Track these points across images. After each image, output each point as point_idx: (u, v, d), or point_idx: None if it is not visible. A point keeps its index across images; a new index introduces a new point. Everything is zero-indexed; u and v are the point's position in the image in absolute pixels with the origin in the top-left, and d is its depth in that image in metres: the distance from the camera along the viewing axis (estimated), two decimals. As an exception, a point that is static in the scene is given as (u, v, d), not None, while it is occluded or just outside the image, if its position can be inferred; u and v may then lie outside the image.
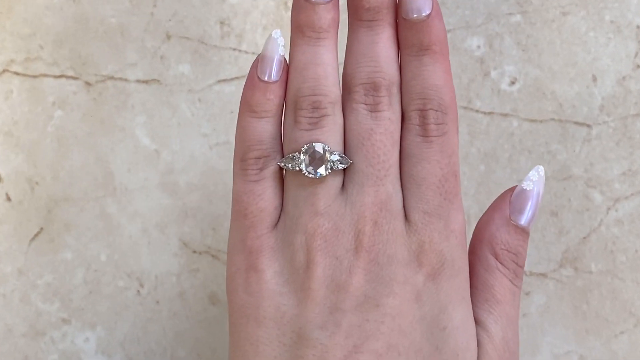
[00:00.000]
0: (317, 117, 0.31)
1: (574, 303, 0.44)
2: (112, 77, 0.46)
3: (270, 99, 0.32)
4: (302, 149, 0.31)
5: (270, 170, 0.32)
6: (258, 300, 0.30)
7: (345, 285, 0.30)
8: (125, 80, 0.46)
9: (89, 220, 0.45)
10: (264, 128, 0.32)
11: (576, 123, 0.45)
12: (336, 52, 0.32)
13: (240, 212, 0.32)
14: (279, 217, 0.32)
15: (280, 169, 0.32)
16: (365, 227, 0.31)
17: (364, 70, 0.31)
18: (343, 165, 0.31)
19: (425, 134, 0.31)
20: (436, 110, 0.31)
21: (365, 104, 0.31)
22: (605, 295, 0.43)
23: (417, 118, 0.31)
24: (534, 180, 0.32)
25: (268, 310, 0.30)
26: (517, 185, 0.33)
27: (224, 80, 0.46)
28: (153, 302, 0.45)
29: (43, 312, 0.44)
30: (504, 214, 0.32)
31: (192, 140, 0.45)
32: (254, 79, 0.32)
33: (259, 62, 0.32)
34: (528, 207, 0.32)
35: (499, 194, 0.33)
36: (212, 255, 0.45)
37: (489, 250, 0.32)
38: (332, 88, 0.32)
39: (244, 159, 0.32)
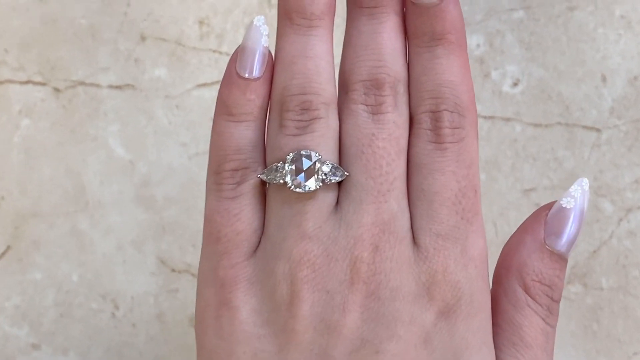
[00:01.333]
0: (306, 121, 0.28)
1: (584, 322, 0.43)
2: (83, 83, 0.45)
3: (251, 100, 0.29)
4: (288, 157, 0.28)
5: (250, 184, 0.29)
6: (231, 345, 0.27)
7: (337, 326, 0.26)
8: (97, 85, 0.45)
9: (60, 237, 0.44)
10: (243, 134, 0.29)
11: (584, 127, 0.44)
12: (331, 43, 0.29)
13: (212, 235, 0.28)
14: (259, 241, 0.29)
15: (262, 182, 0.29)
16: (363, 253, 0.27)
17: (365, 65, 0.28)
18: (337, 178, 0.28)
19: (438, 140, 0.28)
20: (451, 112, 0.28)
21: (366, 105, 0.28)
22: (617, 314, 0.43)
23: (428, 121, 0.28)
24: (576, 197, 0.28)
25: (243, 357, 0.26)
26: (554, 202, 0.29)
27: (204, 85, 0.45)
28: (129, 325, 0.44)
29: (11, 336, 0.44)
30: (538, 236, 0.28)
31: (169, 150, 0.44)
32: (232, 76, 0.29)
33: (239, 55, 0.28)
34: (567, 229, 0.28)
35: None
36: (192, 274, 0.44)
37: (517, 282, 0.28)
38: (326, 86, 0.28)
39: (218, 172, 0.29)
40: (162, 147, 0.45)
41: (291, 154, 0.28)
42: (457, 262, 0.27)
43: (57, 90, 0.45)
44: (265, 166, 0.29)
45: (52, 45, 0.45)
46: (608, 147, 0.43)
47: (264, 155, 0.29)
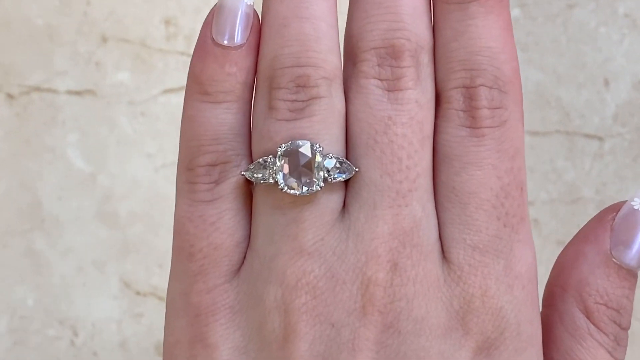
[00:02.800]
0: (303, 101, 0.23)
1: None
2: (38, 89, 0.44)
3: (232, 74, 0.24)
4: (280, 149, 0.23)
5: (231, 184, 0.24)
6: None
7: None
8: (54, 91, 0.44)
9: (13, 258, 0.43)
10: (222, 119, 0.24)
11: (586, 135, 0.43)
12: (334, 0, 0.24)
13: (183, 250, 0.24)
14: (244, 257, 0.24)
15: (247, 181, 0.24)
16: (378, 273, 0.22)
17: (378, 28, 0.24)
18: (344, 176, 0.23)
19: (473, 124, 0.23)
20: (490, 87, 0.23)
21: (380, 79, 0.23)
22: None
23: (460, 100, 0.23)
24: None
25: None
26: (622, 203, 0.24)
27: (171, 90, 0.44)
28: (90, 354, 0.43)
29: (-40, 367, 0.43)
30: (602, 247, 0.23)
31: (134, 162, 0.43)
32: (206, 43, 0.24)
33: (215, 16, 0.24)
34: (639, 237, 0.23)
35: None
36: (159, 298, 0.43)
37: (577, 305, 0.23)
38: (327, 55, 0.24)
39: (190, 167, 0.24)
40: (125, 158, 0.44)
41: (283, 144, 0.23)
42: (499, 283, 0.23)
43: (10, 96, 0.44)
44: (251, 160, 0.24)
45: (5, 47, 0.44)
46: (612, 158, 0.42)
47: (249, 146, 0.24)
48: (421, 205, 0.23)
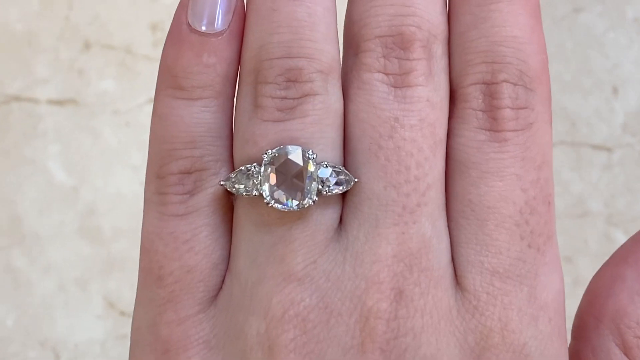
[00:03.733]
0: (294, 98, 0.21)
1: None
2: (17, 98, 0.43)
3: (211, 66, 0.21)
4: (266, 155, 0.20)
5: (207, 195, 0.21)
6: None
7: None
8: (35, 100, 0.44)
9: None
10: (199, 119, 0.21)
11: (593, 146, 0.42)
12: None
13: (151, 272, 0.21)
14: (222, 282, 0.21)
15: (227, 192, 0.21)
16: (380, 303, 0.20)
17: (384, 13, 0.21)
18: (341, 188, 0.21)
19: (494, 126, 0.21)
20: (515, 84, 0.21)
21: (385, 74, 0.21)
22: None
23: (479, 98, 0.21)
24: None
25: None
26: None
27: None
28: None
29: None
30: None
31: (118, 174, 0.43)
32: (181, 30, 0.21)
33: None
34: None
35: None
36: None
37: (613, 338, 0.21)
38: (324, 45, 0.21)
39: (161, 175, 0.21)
40: (109, 171, 0.43)
41: (270, 150, 0.21)
42: (522, 315, 0.20)
43: (-12, 106, 0.44)
44: (232, 168, 0.21)
45: (-17, 54, 0.44)
46: (620, 169, 0.42)
47: (231, 151, 0.22)
48: (431, 223, 0.21)
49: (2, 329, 0.42)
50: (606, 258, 0.39)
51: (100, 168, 0.43)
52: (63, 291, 0.43)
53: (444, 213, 0.21)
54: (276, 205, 0.20)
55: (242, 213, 0.21)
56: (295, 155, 0.21)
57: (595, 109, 0.41)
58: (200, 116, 0.21)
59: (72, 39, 0.43)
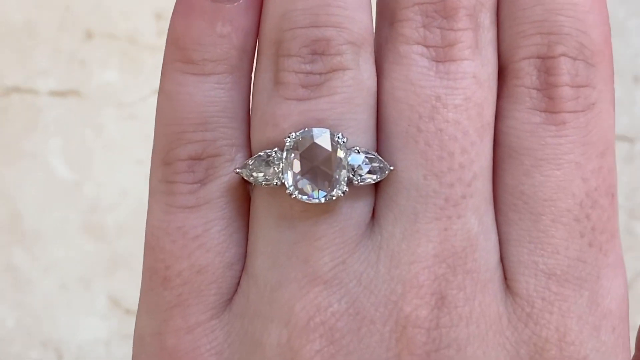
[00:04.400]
0: (321, 74, 0.19)
1: None
2: (18, 89, 0.43)
3: (226, 36, 0.19)
4: (288, 140, 0.18)
5: (221, 184, 0.19)
6: None
7: None
8: (35, 92, 0.43)
9: None
10: (212, 97, 0.19)
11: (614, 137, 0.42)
12: None
13: (156, 272, 0.19)
14: (238, 284, 0.19)
15: (244, 182, 0.19)
16: (419, 310, 0.18)
17: None
18: (375, 177, 0.19)
19: (551, 107, 0.18)
20: (574, 59, 0.18)
21: (426, 46, 0.19)
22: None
23: (534, 74, 0.19)
24: None
25: None
26: None
27: None
28: None
29: None
30: None
31: (122, 169, 0.42)
32: None
33: None
34: None
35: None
36: None
37: None
38: (356, 13, 0.19)
39: (168, 161, 0.19)
40: (113, 165, 0.43)
41: (294, 133, 0.18)
42: (582, 323, 0.18)
43: (-14, 98, 0.44)
44: (250, 154, 0.19)
45: (-19, 44, 0.44)
46: None
47: (248, 134, 0.20)
48: (478, 218, 0.19)
49: (3, 329, 0.42)
50: (628, 252, 0.39)
51: (104, 163, 0.43)
52: (65, 290, 0.42)
53: (491, 207, 0.19)
54: (300, 196, 0.18)
55: (260, 205, 0.19)
56: (323, 139, 0.19)
57: (616, 98, 0.43)
58: (213, 94, 0.20)
59: (73, 29, 0.43)
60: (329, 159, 0.19)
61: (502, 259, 0.19)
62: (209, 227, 0.19)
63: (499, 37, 0.19)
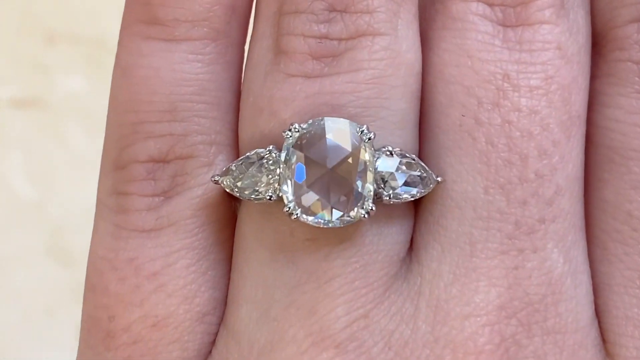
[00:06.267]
0: (340, 39, 0.14)
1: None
2: None
3: None
4: (289, 134, 0.14)
5: (192, 199, 0.15)
6: None
7: None
8: None
9: None
10: (184, 72, 0.15)
11: None
12: None
13: (97, 324, 0.15)
14: (213, 342, 0.15)
15: (225, 194, 0.15)
16: None
17: None
18: (416, 191, 0.14)
19: None
20: None
21: (489, 4, 0.15)
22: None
23: (637, 45, 0.15)
24: None
25: None
26: None
27: None
28: None
29: None
30: None
31: (89, 186, 0.40)
32: None
33: None
34: None
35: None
36: None
37: None
38: None
39: (121, 164, 0.15)
40: (79, 182, 0.40)
41: (297, 125, 0.14)
42: None
43: (-62, 109, 0.43)
44: (236, 155, 0.15)
45: None
46: None
47: (234, 126, 0.15)
48: (563, 252, 0.14)
49: (-39, 363, 0.41)
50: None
51: (69, 179, 0.41)
52: (29, 320, 0.40)
53: (583, 234, 0.14)
54: (305, 217, 0.13)
55: (248, 230, 0.15)
56: (339, 134, 0.14)
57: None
58: (185, 68, 0.15)
59: (34, 32, 0.41)
60: (348, 163, 0.14)
61: (598, 313, 0.14)
62: (173, 260, 0.15)
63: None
